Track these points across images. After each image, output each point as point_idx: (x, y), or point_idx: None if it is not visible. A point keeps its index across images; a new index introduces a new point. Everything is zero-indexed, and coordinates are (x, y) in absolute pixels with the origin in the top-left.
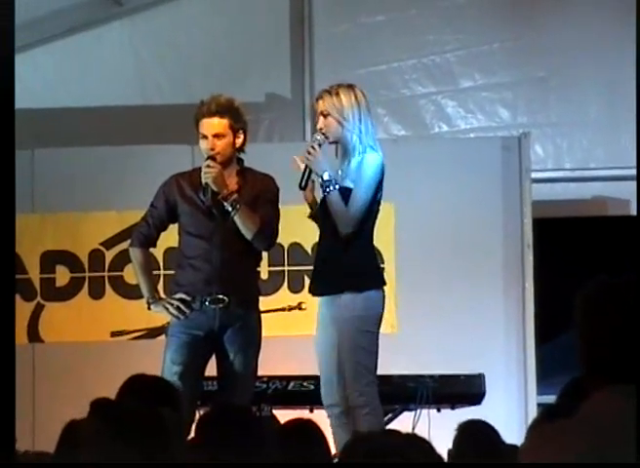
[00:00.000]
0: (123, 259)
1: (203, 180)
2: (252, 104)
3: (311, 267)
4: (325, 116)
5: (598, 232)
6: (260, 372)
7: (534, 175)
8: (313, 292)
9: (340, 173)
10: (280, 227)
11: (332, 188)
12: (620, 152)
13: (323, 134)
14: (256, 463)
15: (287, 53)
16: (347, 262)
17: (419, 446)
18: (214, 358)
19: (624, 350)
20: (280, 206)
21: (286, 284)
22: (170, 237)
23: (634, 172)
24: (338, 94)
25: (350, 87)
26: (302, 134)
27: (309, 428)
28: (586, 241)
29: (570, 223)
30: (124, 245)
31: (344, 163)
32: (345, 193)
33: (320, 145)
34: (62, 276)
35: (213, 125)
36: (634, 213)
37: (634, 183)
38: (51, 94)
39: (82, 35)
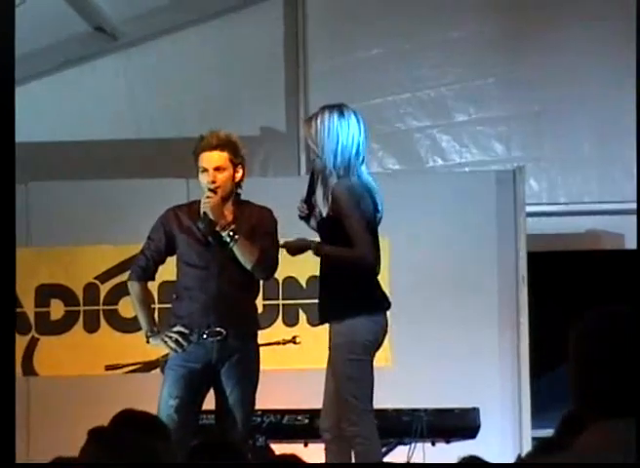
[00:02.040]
0: (118, 293)
1: (201, 210)
2: (246, 138)
3: (306, 301)
4: (309, 143)
5: (592, 266)
6: None
7: (528, 208)
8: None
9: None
10: None
11: None
12: (615, 186)
13: (313, 161)
14: (255, 463)
15: (282, 86)
16: (333, 290)
17: None
18: (211, 391)
19: (621, 381)
20: None
21: (280, 317)
22: (165, 271)
23: (628, 206)
24: (312, 119)
25: (329, 108)
26: (297, 167)
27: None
28: (580, 275)
29: (564, 257)
30: (119, 278)
31: (323, 190)
32: (326, 221)
33: (312, 174)
34: (57, 310)
35: (214, 158)
36: (628, 247)
37: (628, 218)
38: (45, 127)
39: (76, 69)
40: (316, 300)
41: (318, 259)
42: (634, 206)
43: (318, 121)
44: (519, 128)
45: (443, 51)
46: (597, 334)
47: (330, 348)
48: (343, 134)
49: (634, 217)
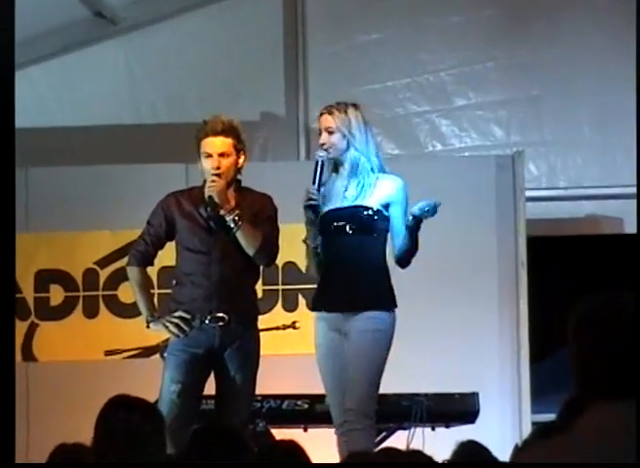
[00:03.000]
0: (117, 278)
1: (207, 194)
2: (246, 123)
3: (305, 286)
4: (330, 133)
5: (592, 250)
6: None
7: (527, 193)
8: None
9: (346, 190)
10: None
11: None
12: (614, 171)
13: (326, 150)
14: (255, 463)
15: (281, 71)
16: (371, 277)
17: (419, 461)
18: (212, 377)
19: (621, 365)
20: None
21: (280, 303)
22: (165, 256)
23: (628, 190)
24: (346, 111)
25: (356, 106)
26: (296, 152)
27: (292, 449)
28: (580, 259)
29: (563, 242)
30: (118, 264)
31: (352, 181)
32: (363, 211)
33: (323, 163)
34: (57, 295)
35: (218, 144)
36: (627, 231)
37: (627, 202)
38: (45, 112)
39: (76, 54)
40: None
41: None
42: (634, 190)
43: (350, 114)
44: (518, 112)
45: (442, 35)
46: (597, 318)
47: (353, 333)
48: (371, 129)
49: (634, 202)
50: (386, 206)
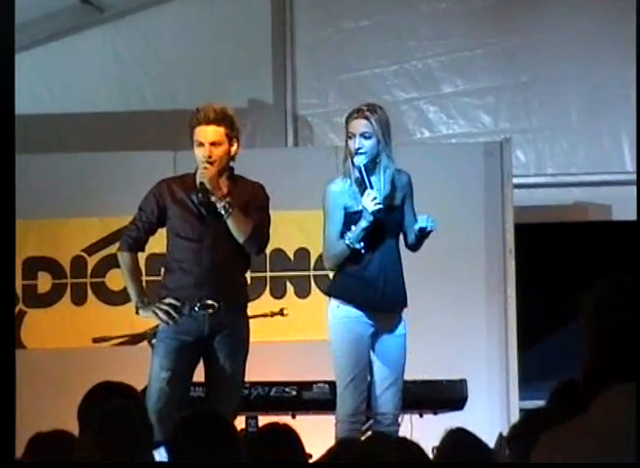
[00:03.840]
0: (105, 266)
1: (198, 180)
2: (234, 110)
3: (293, 273)
4: (367, 138)
5: (579, 237)
6: None
7: (515, 180)
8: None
9: (378, 191)
10: None
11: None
12: (602, 158)
13: (364, 155)
14: (254, 463)
15: (269, 58)
16: (401, 276)
17: (409, 449)
18: (201, 364)
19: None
20: None
21: (268, 290)
22: (153, 243)
23: (616, 177)
24: (378, 114)
25: (381, 108)
26: (284, 139)
27: (284, 432)
28: (568, 246)
29: (551, 229)
30: (106, 251)
31: (382, 182)
32: (395, 211)
33: (366, 167)
34: (44, 282)
35: (210, 133)
36: (615, 218)
37: (615, 189)
38: (32, 100)
39: (64, 41)
40: (304, 272)
41: (306, 232)
42: (622, 177)
43: (381, 117)
44: (506, 99)
45: (430, 22)
46: (616, 302)
47: (388, 336)
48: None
49: (622, 188)
50: (402, 200)
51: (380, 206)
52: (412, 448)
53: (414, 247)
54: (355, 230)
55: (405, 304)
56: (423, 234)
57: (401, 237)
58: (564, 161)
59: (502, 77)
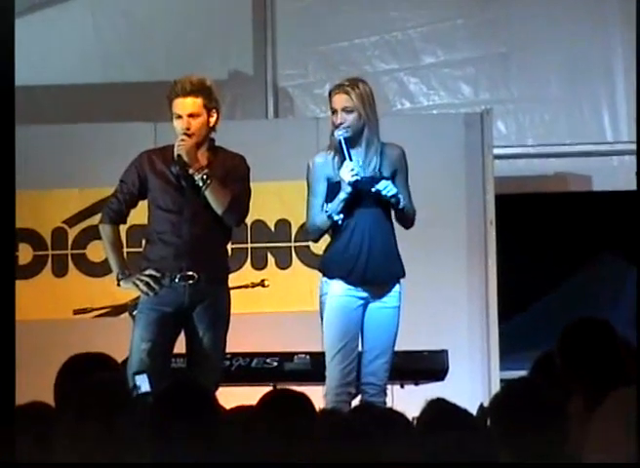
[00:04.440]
0: (86, 237)
1: (176, 153)
2: (214, 81)
3: (274, 244)
4: (348, 112)
5: (560, 208)
6: None
7: (496, 151)
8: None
9: (363, 163)
10: None
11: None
12: (583, 128)
13: (345, 129)
14: (257, 463)
15: (249, 29)
16: (392, 251)
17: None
18: (182, 335)
19: None
20: None
21: (249, 261)
22: (134, 215)
23: (596, 148)
24: (359, 89)
25: (364, 82)
26: (265, 110)
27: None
28: (548, 217)
29: (532, 199)
30: (87, 222)
31: (367, 155)
32: (381, 182)
33: (346, 139)
34: (25, 254)
35: (188, 105)
36: (596, 188)
37: (596, 159)
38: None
39: (43, 12)
40: (285, 244)
41: (287, 203)
42: (602, 148)
43: (363, 91)
44: (487, 70)
45: None
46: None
47: (379, 308)
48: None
49: (602, 159)
50: (394, 174)
51: (357, 177)
52: (397, 418)
53: (399, 222)
54: (334, 201)
55: (398, 276)
56: (381, 198)
57: None
58: (544, 131)
59: (483, 48)
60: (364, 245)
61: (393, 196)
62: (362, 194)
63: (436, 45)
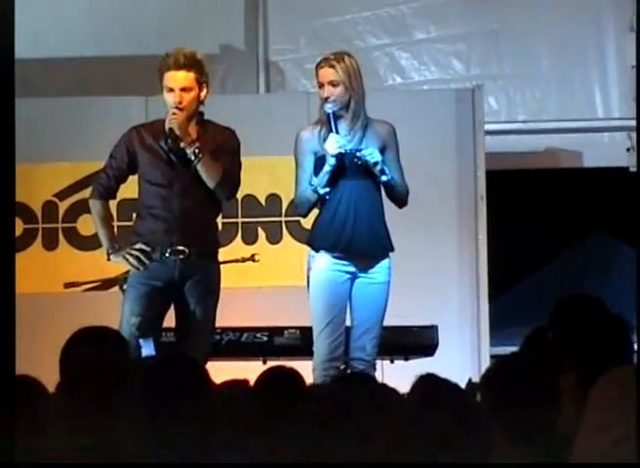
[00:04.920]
0: (76, 211)
1: (167, 126)
2: (205, 56)
3: (265, 219)
4: (334, 85)
5: (551, 184)
6: None
7: (487, 127)
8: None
9: (349, 137)
10: None
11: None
12: (574, 104)
13: (333, 102)
14: (259, 463)
15: (241, 3)
16: (380, 224)
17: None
18: (172, 309)
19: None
20: None
21: (239, 235)
22: (125, 189)
23: (587, 124)
24: (345, 62)
25: (350, 55)
26: (256, 85)
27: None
28: (539, 193)
29: (523, 175)
30: (77, 196)
31: (354, 129)
32: (367, 156)
33: (334, 113)
34: (16, 227)
35: (180, 78)
36: (587, 165)
37: (587, 136)
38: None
39: None
40: (276, 218)
41: (278, 178)
42: (593, 124)
43: (349, 65)
44: (478, 46)
45: None
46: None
47: (367, 283)
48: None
49: (593, 135)
50: (382, 150)
51: (341, 150)
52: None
53: (391, 200)
54: (319, 175)
55: (386, 249)
56: (367, 167)
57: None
58: (535, 108)
59: (475, 24)
60: (349, 217)
61: (376, 163)
62: (348, 166)
63: (428, 20)
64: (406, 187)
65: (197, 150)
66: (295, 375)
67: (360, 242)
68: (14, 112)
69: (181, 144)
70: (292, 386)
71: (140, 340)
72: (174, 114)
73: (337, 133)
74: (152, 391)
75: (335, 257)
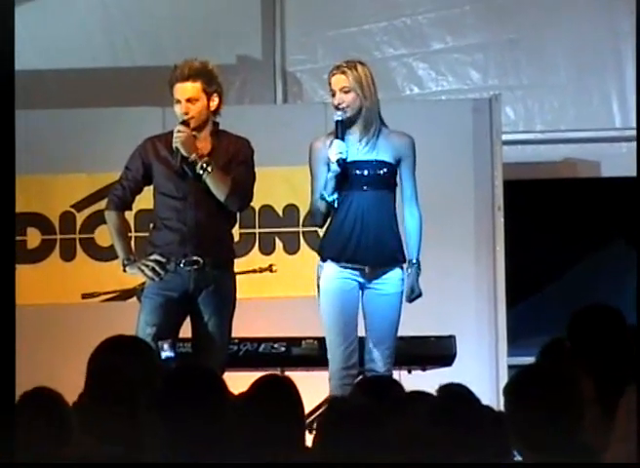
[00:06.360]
0: (94, 221)
1: (173, 145)
2: (222, 66)
3: (282, 229)
4: (346, 92)
5: (568, 194)
6: None
7: (504, 137)
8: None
9: (362, 146)
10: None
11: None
12: (591, 114)
13: (343, 110)
14: (261, 463)
15: (258, 14)
16: (391, 234)
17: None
18: (188, 320)
19: None
20: None
21: (257, 246)
22: (142, 199)
23: (604, 133)
24: (357, 70)
25: (363, 63)
26: (274, 95)
27: (282, 384)
28: (557, 203)
29: (540, 185)
30: (95, 207)
31: (366, 137)
32: (380, 165)
33: (342, 121)
34: (34, 238)
35: (186, 89)
36: (604, 174)
37: (604, 145)
38: (19, 55)
39: None
40: (293, 229)
41: (295, 188)
42: (611, 134)
43: (361, 72)
44: (496, 56)
45: None
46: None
47: (378, 294)
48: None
49: (610, 145)
50: (398, 161)
51: (342, 155)
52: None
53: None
54: (326, 182)
55: (397, 260)
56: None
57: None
58: (553, 117)
59: (492, 34)
60: (356, 226)
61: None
62: (354, 175)
63: (445, 31)
64: (419, 210)
65: (205, 164)
66: (289, 384)
67: (367, 252)
68: (14, 123)
69: (190, 158)
70: (285, 393)
71: (160, 343)
72: (178, 132)
73: (342, 140)
74: (170, 402)
75: (341, 266)
